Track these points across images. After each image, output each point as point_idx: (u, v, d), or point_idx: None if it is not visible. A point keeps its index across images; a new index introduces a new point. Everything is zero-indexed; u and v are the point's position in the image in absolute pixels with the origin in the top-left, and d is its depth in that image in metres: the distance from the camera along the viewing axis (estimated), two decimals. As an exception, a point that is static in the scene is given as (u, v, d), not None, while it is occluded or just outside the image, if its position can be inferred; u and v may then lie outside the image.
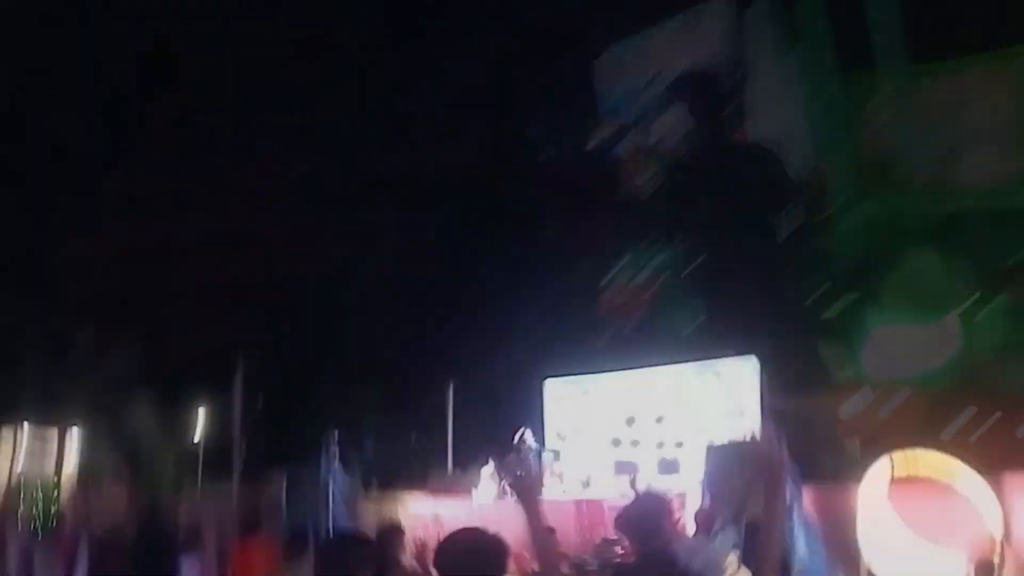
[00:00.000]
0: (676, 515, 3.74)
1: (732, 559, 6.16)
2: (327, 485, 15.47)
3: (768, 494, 3.08)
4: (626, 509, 3.56)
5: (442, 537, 3.09)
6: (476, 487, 16.76)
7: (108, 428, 24.56)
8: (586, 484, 16.06)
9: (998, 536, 10.71)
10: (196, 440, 32.45)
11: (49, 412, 23.97)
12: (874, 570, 11.35)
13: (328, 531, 15.39)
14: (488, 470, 16.95)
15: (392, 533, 5.52)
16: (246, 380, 31.91)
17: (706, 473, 12.50)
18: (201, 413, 32.90)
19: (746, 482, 11.63)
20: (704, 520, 10.41)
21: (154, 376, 25.94)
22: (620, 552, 11.28)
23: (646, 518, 3.36)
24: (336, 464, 15.95)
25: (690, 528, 12.66)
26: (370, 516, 17.65)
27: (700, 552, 3.69)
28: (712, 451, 12.71)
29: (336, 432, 16.22)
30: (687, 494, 13.68)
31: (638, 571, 3.28)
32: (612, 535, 13.02)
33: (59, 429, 24.38)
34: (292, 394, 33.86)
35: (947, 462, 11.49)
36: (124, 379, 24.01)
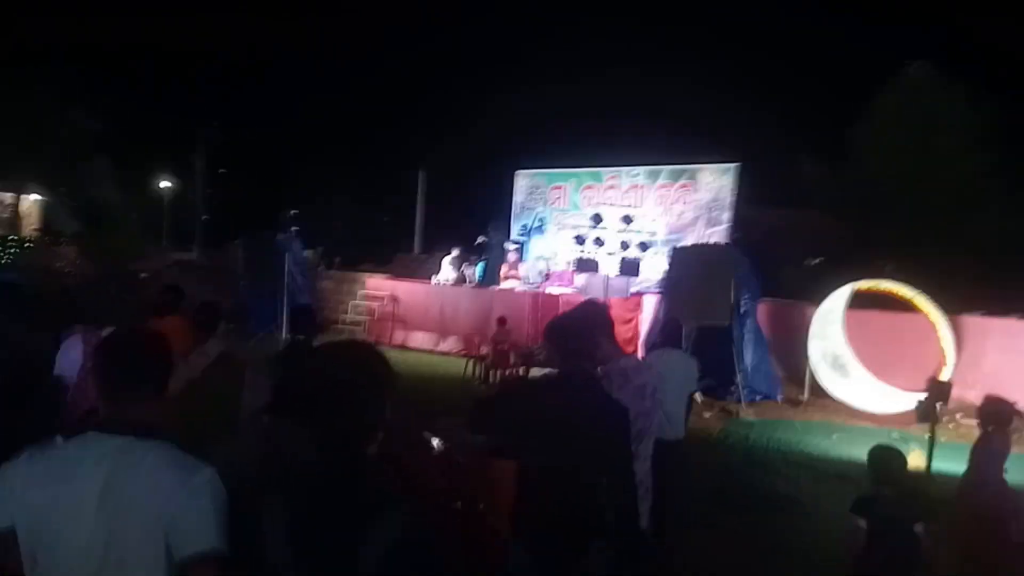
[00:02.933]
0: (608, 330, 2.99)
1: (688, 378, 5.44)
2: (282, 255, 14.94)
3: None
4: (553, 319, 2.90)
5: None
6: (436, 273, 16.47)
7: (68, 191, 23.79)
8: (546, 278, 15.80)
9: (951, 353, 10.65)
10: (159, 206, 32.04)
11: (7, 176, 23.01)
12: (820, 374, 11.38)
13: (283, 302, 15.17)
14: (449, 258, 16.61)
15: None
16: (209, 150, 30.94)
17: (668, 276, 12.11)
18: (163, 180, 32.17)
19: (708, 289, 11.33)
20: (662, 331, 10.08)
21: (114, 141, 24.78)
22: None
23: (569, 331, 2.73)
24: (294, 235, 15.34)
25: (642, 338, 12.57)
26: (328, 290, 17.58)
27: (638, 373, 3.04)
28: (677, 253, 12.25)
29: (294, 208, 15.49)
30: (643, 298, 13.45)
31: (558, 385, 2.69)
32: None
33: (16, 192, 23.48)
34: (256, 167, 33.06)
35: (908, 290, 11.23)
36: (84, 143, 22.89)
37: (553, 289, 14.99)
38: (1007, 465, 4.63)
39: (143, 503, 1.79)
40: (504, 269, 15.70)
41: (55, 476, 1.82)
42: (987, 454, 4.63)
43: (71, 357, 4.31)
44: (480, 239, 15.76)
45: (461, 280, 16.14)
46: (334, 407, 1.71)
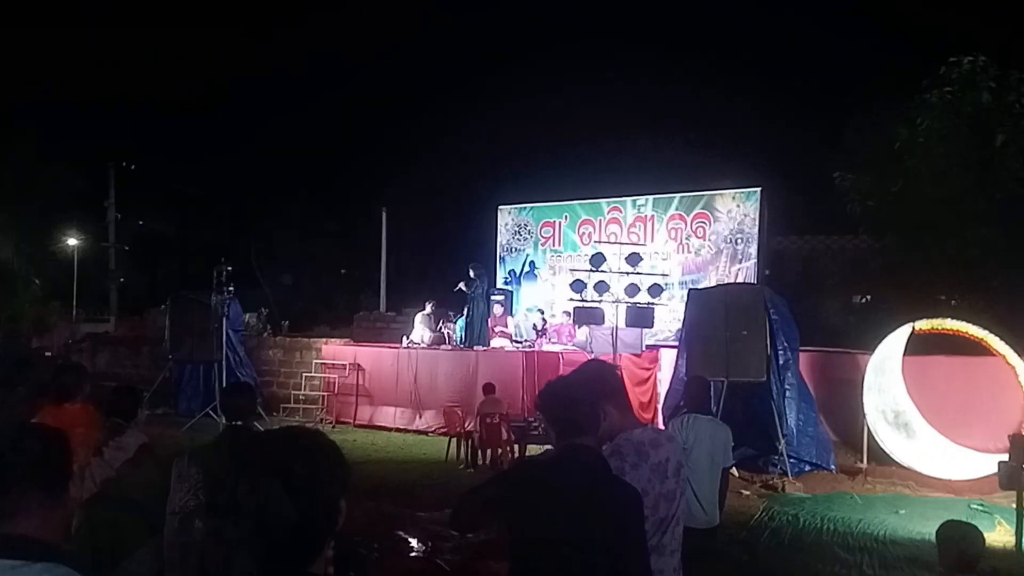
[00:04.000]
0: (618, 396, 2.86)
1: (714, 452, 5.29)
2: (218, 321, 14.88)
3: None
4: (547, 386, 2.80)
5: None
6: (408, 333, 16.41)
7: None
8: (540, 333, 15.78)
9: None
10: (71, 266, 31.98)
11: None
12: (880, 435, 11.30)
13: (220, 378, 15.05)
14: (422, 314, 16.56)
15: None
16: (120, 194, 31.11)
17: (687, 325, 12.10)
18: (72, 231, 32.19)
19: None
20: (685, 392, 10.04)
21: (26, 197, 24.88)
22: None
23: (565, 399, 2.66)
24: (231, 296, 15.27)
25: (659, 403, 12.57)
26: (276, 361, 17.54)
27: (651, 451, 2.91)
28: (697, 297, 12.27)
29: (230, 262, 15.40)
30: (660, 352, 13.45)
31: (553, 468, 2.62)
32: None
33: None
34: (181, 212, 33.25)
35: (974, 327, 11.27)
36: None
37: (550, 346, 14.97)
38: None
39: None
40: (490, 324, 15.68)
41: None
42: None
43: None
44: (459, 287, 15.70)
45: (439, 340, 16.09)
46: (275, 513, 1.63)
